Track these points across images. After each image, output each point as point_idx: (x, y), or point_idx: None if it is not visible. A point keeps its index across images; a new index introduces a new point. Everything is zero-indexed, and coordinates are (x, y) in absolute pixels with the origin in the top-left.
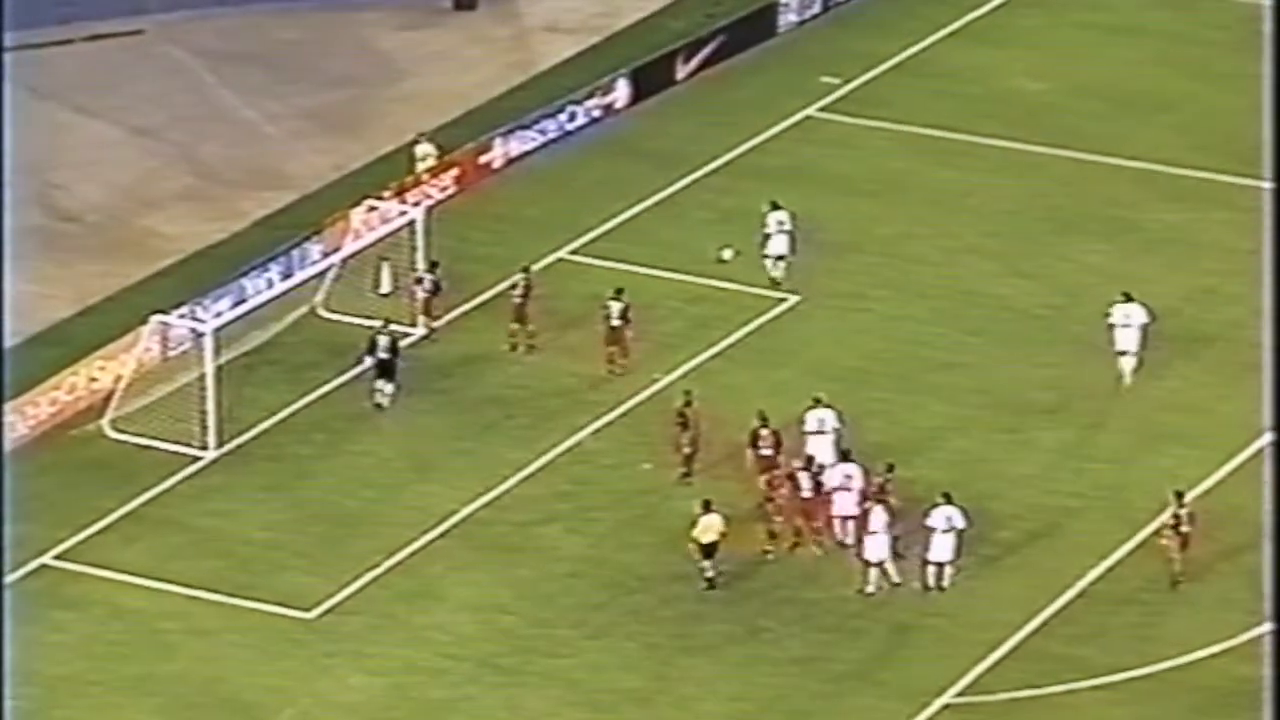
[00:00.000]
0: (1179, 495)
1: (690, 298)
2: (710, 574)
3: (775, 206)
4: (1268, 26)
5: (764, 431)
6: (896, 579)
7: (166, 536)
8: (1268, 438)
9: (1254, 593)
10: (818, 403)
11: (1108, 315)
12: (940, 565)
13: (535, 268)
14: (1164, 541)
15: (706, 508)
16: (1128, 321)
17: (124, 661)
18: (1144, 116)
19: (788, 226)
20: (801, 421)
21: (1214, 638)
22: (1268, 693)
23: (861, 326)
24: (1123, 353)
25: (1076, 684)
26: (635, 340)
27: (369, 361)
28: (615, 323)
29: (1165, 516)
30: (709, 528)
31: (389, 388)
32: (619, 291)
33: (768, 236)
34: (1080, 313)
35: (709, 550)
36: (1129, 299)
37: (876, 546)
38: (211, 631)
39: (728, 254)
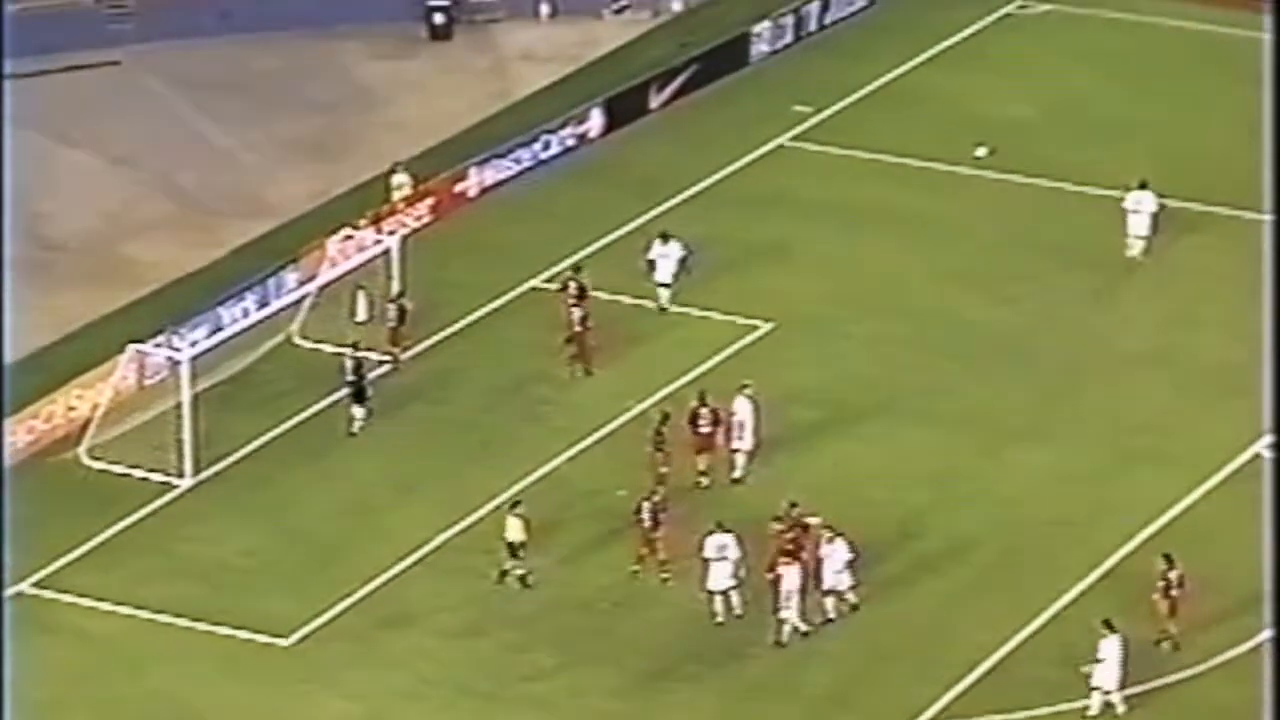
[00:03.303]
0: (1168, 559)
1: (667, 324)
2: (505, 568)
3: (665, 238)
4: (1244, 55)
5: (703, 410)
6: (738, 610)
7: (143, 563)
8: (1244, 458)
9: (1231, 613)
10: (743, 389)
11: (1121, 201)
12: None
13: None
14: (1157, 601)
15: (513, 508)
16: (1139, 207)
17: (100, 687)
18: (1118, 143)
19: (679, 254)
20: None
21: (1191, 660)
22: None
23: (838, 351)
24: (1132, 236)
25: (1054, 706)
26: (596, 344)
27: (345, 387)
28: (577, 328)
29: (1157, 581)
30: (513, 528)
31: (359, 412)
32: (581, 297)
33: (652, 264)
34: (1056, 336)
35: (514, 549)
36: (1143, 186)
37: (718, 574)
38: (188, 657)
39: (982, 151)
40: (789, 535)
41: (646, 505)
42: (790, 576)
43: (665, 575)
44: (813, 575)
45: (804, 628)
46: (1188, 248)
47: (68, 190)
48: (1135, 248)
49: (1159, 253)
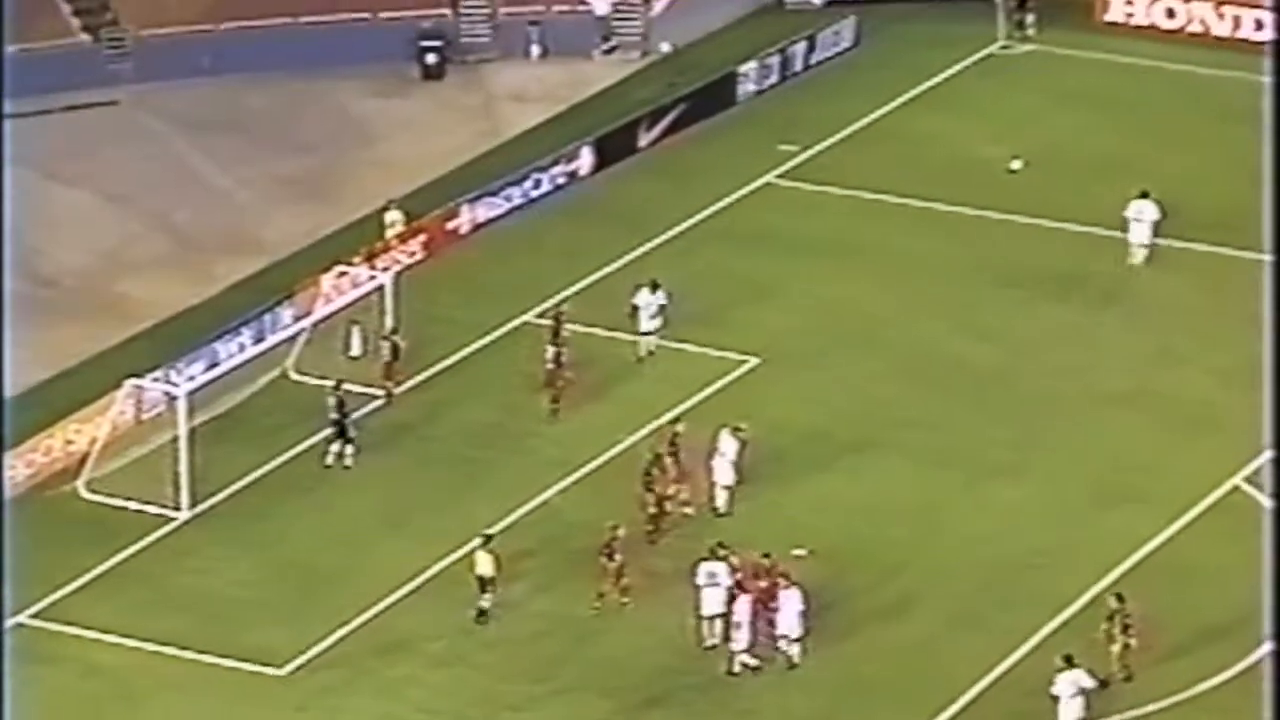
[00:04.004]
0: (1120, 598)
1: (654, 359)
2: (484, 606)
3: (655, 286)
4: (1223, 95)
5: (674, 438)
6: (715, 641)
7: (141, 594)
8: (1221, 493)
9: (1206, 646)
10: (734, 430)
11: (1124, 210)
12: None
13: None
14: (1115, 647)
15: (485, 543)
16: (1140, 216)
17: (99, 717)
18: (1099, 182)
19: (660, 302)
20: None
21: (1166, 691)
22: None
23: (823, 386)
24: (1134, 245)
25: None
26: (573, 383)
27: (328, 425)
28: (550, 366)
29: (1113, 620)
30: (484, 562)
31: (348, 449)
32: (556, 335)
33: (636, 309)
34: (1035, 372)
35: (484, 584)
36: (1144, 195)
37: (710, 601)
38: (185, 687)
39: (1017, 164)
40: (737, 569)
41: (609, 535)
42: (740, 609)
43: (596, 607)
44: (766, 622)
45: (753, 663)
46: (1166, 285)
47: (66, 228)
48: (1137, 255)
49: (1138, 290)
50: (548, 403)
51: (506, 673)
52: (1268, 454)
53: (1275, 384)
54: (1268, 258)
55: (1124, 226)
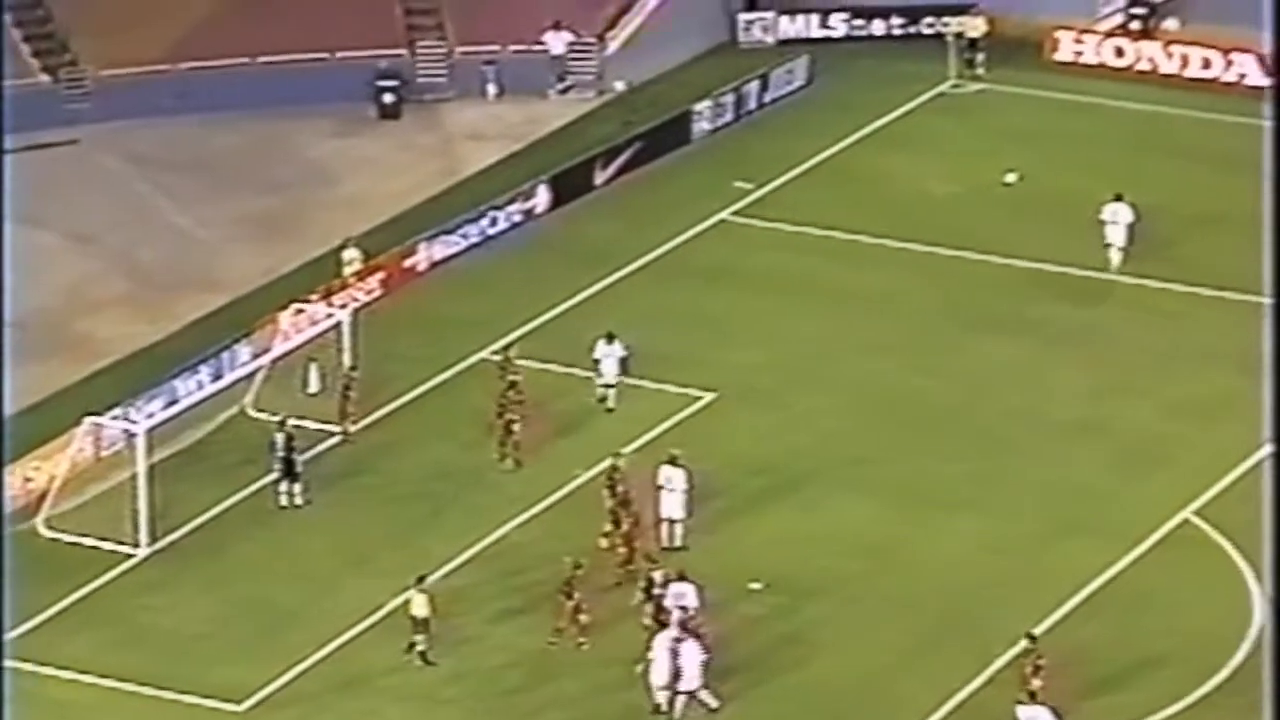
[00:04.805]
0: (1031, 637)
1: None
2: (421, 647)
3: (610, 338)
4: (1174, 131)
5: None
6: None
7: (100, 632)
8: (1172, 525)
9: (1156, 677)
10: (672, 460)
11: (1099, 213)
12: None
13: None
14: (1032, 686)
15: (419, 583)
16: (1115, 219)
17: None
18: (1048, 217)
19: (620, 354)
20: (655, 478)
21: None
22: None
23: (778, 421)
24: (1110, 245)
25: None
26: (525, 428)
27: (276, 463)
28: (498, 411)
29: (1027, 661)
30: (419, 604)
31: (296, 487)
32: (508, 382)
33: (598, 362)
34: (988, 407)
35: (419, 624)
36: (1119, 199)
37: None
38: None
39: (1011, 178)
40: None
41: (568, 574)
42: (658, 644)
43: (552, 642)
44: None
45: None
46: (1118, 320)
47: (27, 267)
48: (1113, 258)
49: (1090, 325)
50: (496, 446)
51: (467, 708)
52: (1221, 484)
53: (1275, 385)
54: (1218, 293)
55: (1100, 231)
